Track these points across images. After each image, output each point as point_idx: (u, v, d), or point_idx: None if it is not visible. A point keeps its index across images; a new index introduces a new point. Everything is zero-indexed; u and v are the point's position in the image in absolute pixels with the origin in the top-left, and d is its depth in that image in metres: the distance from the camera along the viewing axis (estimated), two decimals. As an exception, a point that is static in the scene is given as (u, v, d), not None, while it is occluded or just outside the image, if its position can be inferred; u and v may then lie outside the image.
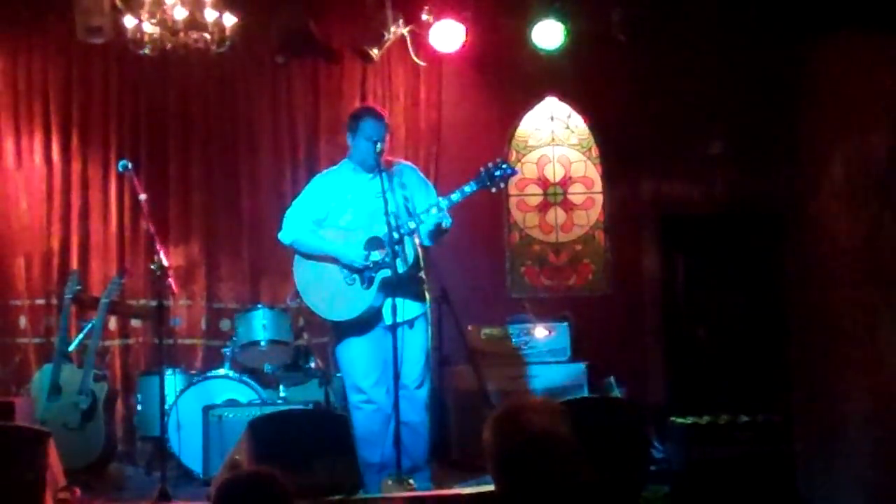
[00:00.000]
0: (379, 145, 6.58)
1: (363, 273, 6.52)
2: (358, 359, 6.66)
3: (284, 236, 6.77)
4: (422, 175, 7.00)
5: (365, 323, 6.60)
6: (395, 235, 6.39)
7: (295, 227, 6.74)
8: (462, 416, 7.71)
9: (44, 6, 8.40)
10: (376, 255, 6.49)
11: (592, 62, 8.58)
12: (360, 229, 6.55)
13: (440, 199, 6.53)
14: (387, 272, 6.43)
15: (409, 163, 7.18)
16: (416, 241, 6.57)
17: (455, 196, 6.49)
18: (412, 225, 6.46)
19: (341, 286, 6.60)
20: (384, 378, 6.55)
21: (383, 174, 6.46)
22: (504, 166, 6.54)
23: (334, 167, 7.02)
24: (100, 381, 7.60)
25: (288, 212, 6.84)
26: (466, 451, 7.52)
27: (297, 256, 6.76)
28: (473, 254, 8.08)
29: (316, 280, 6.68)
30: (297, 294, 6.93)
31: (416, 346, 6.62)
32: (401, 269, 6.41)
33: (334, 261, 6.58)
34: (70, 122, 8.65)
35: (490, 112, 8.97)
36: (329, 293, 6.64)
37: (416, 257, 6.57)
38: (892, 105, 5.93)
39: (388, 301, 6.38)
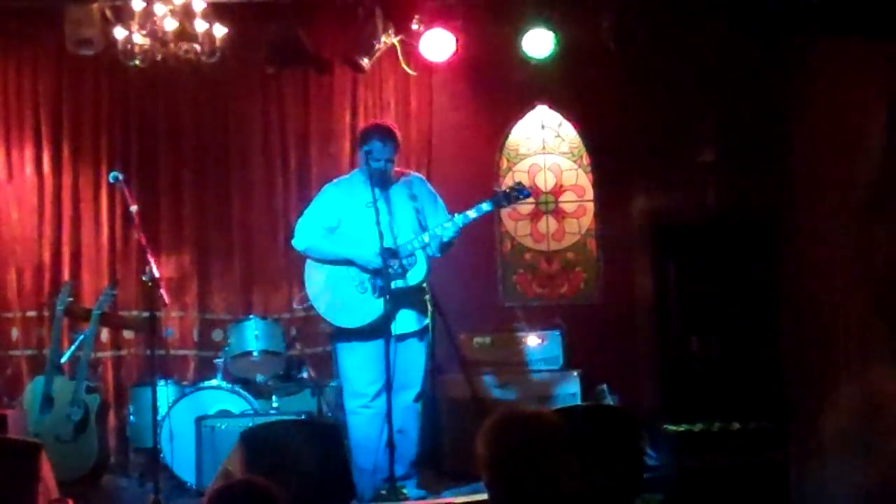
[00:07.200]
0: (383, 164, 6.76)
1: (375, 282, 6.57)
2: (364, 365, 6.76)
3: (298, 243, 6.90)
4: (431, 187, 7.11)
5: (373, 330, 6.65)
6: (409, 248, 6.64)
7: (308, 233, 6.87)
8: (455, 424, 7.70)
9: (34, 18, 8.38)
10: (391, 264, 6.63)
11: (583, 71, 8.58)
12: (373, 239, 6.62)
13: (456, 215, 6.72)
14: (398, 282, 6.61)
15: (419, 174, 7.26)
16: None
17: (471, 213, 6.72)
18: (425, 239, 6.65)
19: (353, 294, 6.71)
20: (387, 386, 6.61)
21: (376, 188, 6.62)
22: (521, 189, 6.88)
23: (346, 176, 7.17)
24: (92, 393, 7.60)
25: (300, 220, 6.97)
26: (459, 459, 7.50)
27: (308, 262, 6.89)
28: (465, 263, 8.07)
29: (327, 286, 6.80)
30: (305, 298, 7.00)
31: (421, 357, 6.84)
32: (414, 281, 6.65)
33: (349, 263, 6.69)
34: (61, 134, 8.65)
35: (481, 121, 8.98)
36: (340, 300, 6.77)
37: (429, 270, 6.71)
38: (883, 112, 5.94)
39: (397, 311, 6.64)
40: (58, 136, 8.65)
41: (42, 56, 8.63)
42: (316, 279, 6.83)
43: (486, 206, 6.77)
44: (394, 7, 8.27)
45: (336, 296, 6.77)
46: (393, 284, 6.59)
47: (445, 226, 6.66)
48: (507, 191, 6.85)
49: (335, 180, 7.20)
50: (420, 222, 6.79)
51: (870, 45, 6.02)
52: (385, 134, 6.83)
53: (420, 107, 8.88)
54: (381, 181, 6.76)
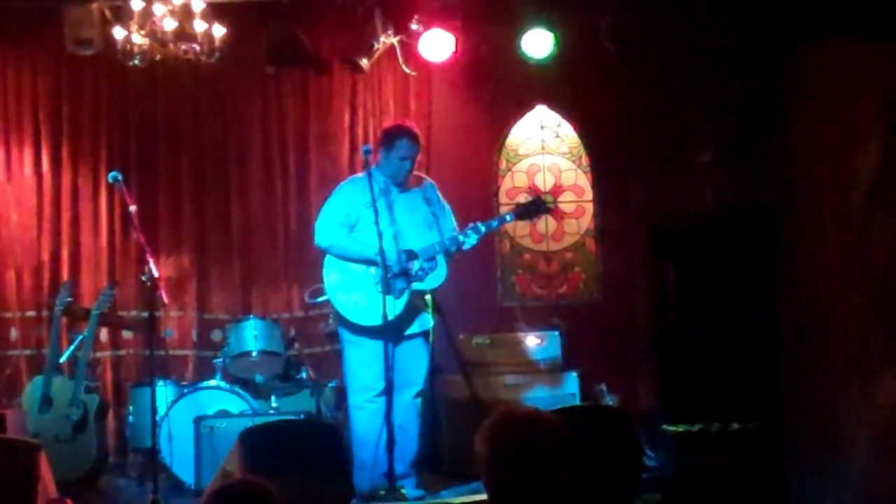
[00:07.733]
0: (409, 164, 6.91)
1: (395, 283, 6.62)
2: (374, 361, 6.78)
3: (321, 240, 6.94)
4: (440, 194, 7.19)
5: (385, 329, 6.68)
6: (431, 252, 6.79)
7: (329, 231, 6.91)
8: (454, 424, 7.70)
9: (33, 18, 8.36)
10: (412, 266, 6.76)
11: (582, 71, 8.58)
12: (388, 238, 6.67)
13: (479, 224, 6.87)
14: (417, 284, 6.76)
15: (431, 180, 7.29)
16: None
17: (494, 223, 7.06)
18: (447, 243, 6.81)
19: (372, 292, 6.76)
20: (387, 387, 6.65)
21: (374, 183, 6.67)
22: (542, 205, 7.20)
23: (360, 175, 7.12)
24: (91, 393, 7.59)
25: (319, 219, 7.01)
26: (458, 459, 7.51)
27: (328, 258, 6.93)
28: (464, 263, 8.06)
29: (346, 283, 6.86)
30: (317, 293, 7.07)
31: (425, 356, 6.95)
32: (433, 285, 6.84)
33: (373, 263, 6.72)
34: (60, 134, 8.65)
35: (480, 121, 8.98)
36: (359, 298, 6.83)
37: (448, 274, 6.86)
38: (881, 111, 5.94)
39: (413, 312, 6.78)
40: (57, 136, 8.65)
41: (42, 56, 8.62)
42: (334, 275, 6.89)
43: (508, 218, 7.15)
44: (393, 7, 8.26)
45: (355, 293, 6.83)
46: (414, 286, 6.76)
47: (468, 234, 6.81)
48: (529, 205, 7.14)
49: (350, 178, 7.28)
50: (438, 226, 6.90)
51: (870, 44, 6.03)
52: (413, 134, 6.99)
53: (419, 107, 8.88)
54: (402, 181, 6.92)
